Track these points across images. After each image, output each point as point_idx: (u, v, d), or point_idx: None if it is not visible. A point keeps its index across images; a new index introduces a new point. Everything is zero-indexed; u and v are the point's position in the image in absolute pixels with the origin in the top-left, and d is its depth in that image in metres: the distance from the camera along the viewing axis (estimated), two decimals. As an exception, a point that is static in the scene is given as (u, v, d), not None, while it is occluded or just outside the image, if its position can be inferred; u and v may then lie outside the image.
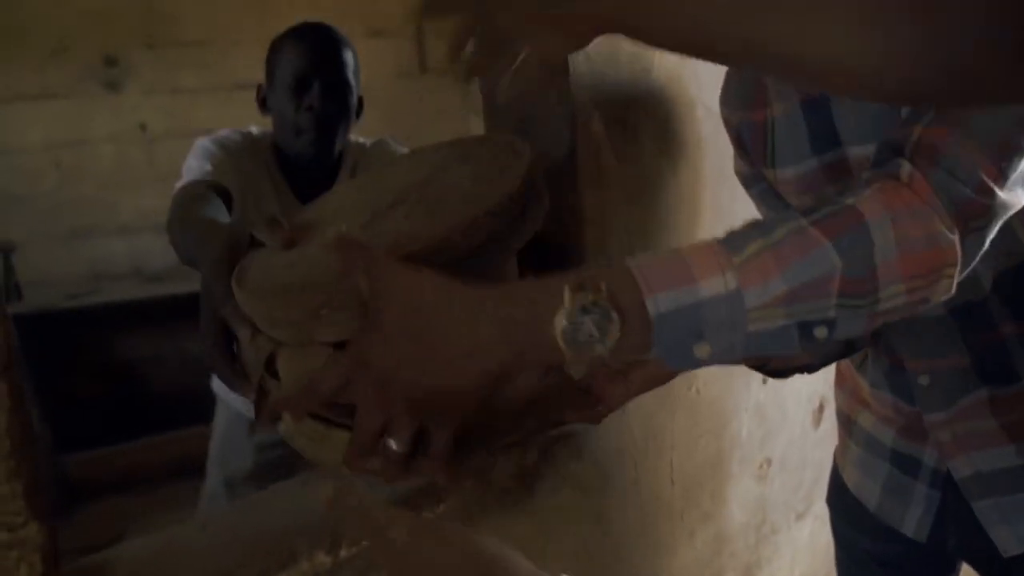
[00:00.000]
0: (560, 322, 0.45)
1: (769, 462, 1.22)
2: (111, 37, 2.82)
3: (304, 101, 1.34)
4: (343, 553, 0.62)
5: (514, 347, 0.47)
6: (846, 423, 0.96)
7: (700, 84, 0.94)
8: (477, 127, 0.92)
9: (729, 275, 0.47)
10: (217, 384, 1.57)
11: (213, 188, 1.10)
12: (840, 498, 0.99)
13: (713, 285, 0.47)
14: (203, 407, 1.60)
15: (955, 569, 0.92)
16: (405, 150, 1.53)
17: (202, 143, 1.31)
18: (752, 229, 0.50)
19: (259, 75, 1.42)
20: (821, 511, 1.34)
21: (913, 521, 0.85)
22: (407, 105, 2.98)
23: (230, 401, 1.48)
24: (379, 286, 0.47)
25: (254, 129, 1.44)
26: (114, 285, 2.94)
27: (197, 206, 0.94)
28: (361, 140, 1.51)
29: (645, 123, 0.87)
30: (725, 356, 0.49)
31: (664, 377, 0.63)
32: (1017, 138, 0.56)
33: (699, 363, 0.49)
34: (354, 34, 3.29)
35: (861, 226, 0.50)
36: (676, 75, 0.90)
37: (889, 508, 0.88)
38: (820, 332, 0.50)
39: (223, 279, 0.62)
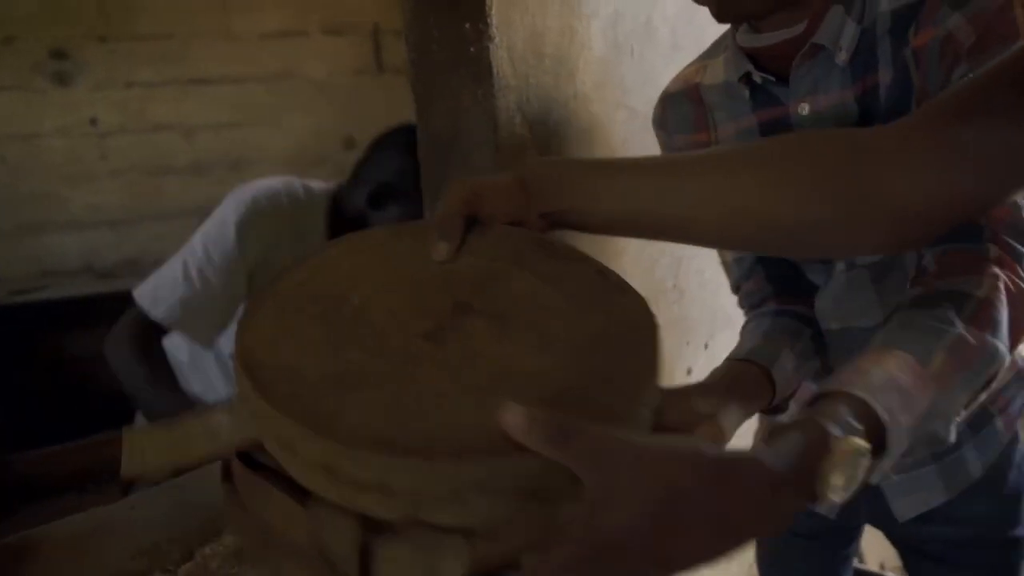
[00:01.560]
0: (833, 479, 0.45)
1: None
2: (61, 29, 2.78)
3: None
4: (267, 528, 0.65)
5: (781, 516, 0.44)
6: (768, 408, 1.03)
7: (624, 87, 0.98)
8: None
9: (931, 389, 0.54)
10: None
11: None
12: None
13: (925, 402, 0.53)
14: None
15: (859, 532, 1.04)
16: None
17: (243, 199, 1.14)
18: (928, 336, 0.56)
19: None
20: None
21: None
22: (364, 102, 2.99)
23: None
24: (607, 469, 0.40)
25: (314, 185, 1.28)
26: (64, 281, 2.90)
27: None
28: None
29: (569, 125, 0.89)
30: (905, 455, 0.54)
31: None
32: None
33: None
34: (313, 32, 3.26)
35: (1000, 317, 0.58)
36: (600, 79, 0.94)
37: None
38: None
39: None
